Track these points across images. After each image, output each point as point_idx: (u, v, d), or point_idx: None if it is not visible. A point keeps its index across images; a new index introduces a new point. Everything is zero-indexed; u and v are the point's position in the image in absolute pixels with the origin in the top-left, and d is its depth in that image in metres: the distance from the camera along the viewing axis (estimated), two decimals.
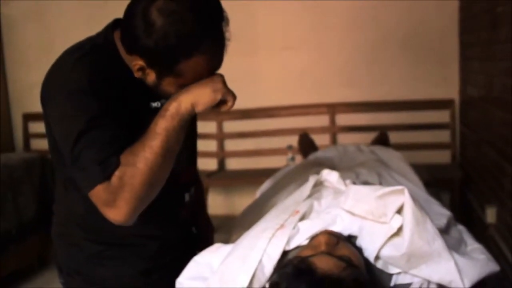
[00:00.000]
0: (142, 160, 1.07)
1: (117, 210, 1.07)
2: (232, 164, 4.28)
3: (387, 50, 3.92)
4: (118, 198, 1.06)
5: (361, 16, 3.93)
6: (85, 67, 1.11)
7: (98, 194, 1.07)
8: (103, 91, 1.11)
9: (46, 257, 3.47)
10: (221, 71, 1.17)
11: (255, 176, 3.74)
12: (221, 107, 1.15)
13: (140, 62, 1.10)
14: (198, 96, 1.11)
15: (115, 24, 1.21)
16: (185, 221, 1.42)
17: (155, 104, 1.23)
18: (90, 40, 1.21)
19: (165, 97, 1.16)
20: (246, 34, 4.04)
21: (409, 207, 1.11)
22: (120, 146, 1.08)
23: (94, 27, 1.33)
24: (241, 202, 3.73)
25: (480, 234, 2.79)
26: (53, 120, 1.14)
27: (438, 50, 3.87)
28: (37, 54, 4.44)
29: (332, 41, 4.01)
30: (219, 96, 1.12)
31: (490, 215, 2.79)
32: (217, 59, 1.13)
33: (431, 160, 3.77)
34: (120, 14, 1.20)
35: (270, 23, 4.08)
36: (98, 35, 1.23)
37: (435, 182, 2.98)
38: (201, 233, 1.60)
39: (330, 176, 1.43)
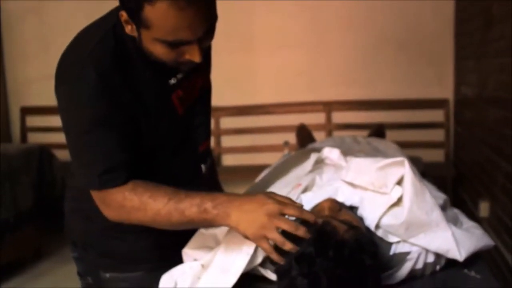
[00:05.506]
0: (153, 211, 1.10)
1: (107, 213, 1.17)
2: (229, 160, 4.32)
3: (383, 49, 3.97)
4: (110, 209, 1.15)
5: (358, 16, 3.98)
6: (99, 58, 1.11)
7: (93, 193, 1.16)
8: (115, 87, 1.11)
9: (41, 248, 3.49)
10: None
11: (251, 172, 3.72)
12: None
13: (124, 13, 1.07)
14: (248, 223, 1.05)
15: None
16: None
17: (172, 81, 1.23)
18: (99, 27, 1.18)
19: (159, 63, 1.12)
20: (243, 32, 4.09)
21: (409, 178, 1.15)
22: (125, 157, 1.12)
23: None
24: None
25: None
26: (61, 104, 1.15)
27: (433, 50, 3.93)
28: (35, 49, 4.44)
29: (328, 40, 4.06)
30: (262, 243, 1.05)
31: (483, 209, 2.85)
32: (187, 13, 0.99)
33: (425, 158, 3.78)
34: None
35: (267, 22, 4.12)
36: (107, 17, 1.20)
37: (428, 180, 3.01)
38: None
39: (331, 153, 1.47)
